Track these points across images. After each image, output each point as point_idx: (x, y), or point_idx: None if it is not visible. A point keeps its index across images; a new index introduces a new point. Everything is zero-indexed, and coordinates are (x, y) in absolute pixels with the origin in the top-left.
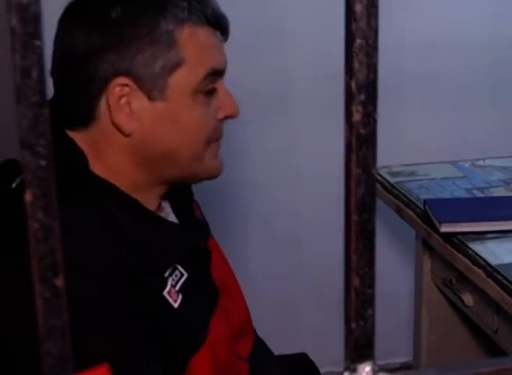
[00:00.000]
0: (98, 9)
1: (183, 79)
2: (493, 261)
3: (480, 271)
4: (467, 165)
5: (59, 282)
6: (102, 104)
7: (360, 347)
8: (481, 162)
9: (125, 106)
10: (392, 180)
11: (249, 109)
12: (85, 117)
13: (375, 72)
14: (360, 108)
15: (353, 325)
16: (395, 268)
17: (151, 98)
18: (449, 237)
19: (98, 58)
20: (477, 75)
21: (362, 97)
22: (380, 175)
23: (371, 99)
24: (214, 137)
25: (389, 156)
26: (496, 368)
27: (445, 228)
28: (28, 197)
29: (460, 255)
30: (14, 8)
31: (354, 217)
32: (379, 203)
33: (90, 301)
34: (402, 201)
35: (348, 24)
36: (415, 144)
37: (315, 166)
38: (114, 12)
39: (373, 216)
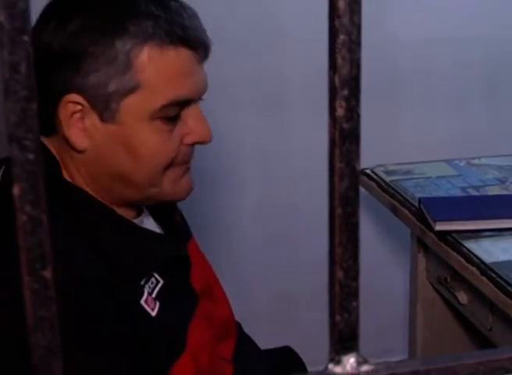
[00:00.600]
0: (62, 17)
1: (138, 104)
2: (487, 259)
3: (474, 269)
4: (462, 163)
5: (48, 273)
6: (56, 116)
7: (344, 339)
8: (476, 161)
9: (78, 122)
10: (387, 178)
11: (244, 107)
12: (45, 127)
13: (358, 67)
14: (343, 103)
15: (338, 317)
16: (390, 266)
17: (103, 119)
18: (443, 236)
19: (54, 69)
20: (473, 73)
21: (345, 92)
22: (375, 174)
23: (355, 94)
24: (177, 162)
25: (384, 155)
26: (481, 359)
27: (439, 226)
28: (16, 190)
29: (454, 254)
30: (2, 4)
31: (338, 211)
32: (375, 202)
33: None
34: (397, 199)
35: (331, 20)
36: (411, 143)
37: (311, 162)
38: (73, 25)
39: (357, 209)
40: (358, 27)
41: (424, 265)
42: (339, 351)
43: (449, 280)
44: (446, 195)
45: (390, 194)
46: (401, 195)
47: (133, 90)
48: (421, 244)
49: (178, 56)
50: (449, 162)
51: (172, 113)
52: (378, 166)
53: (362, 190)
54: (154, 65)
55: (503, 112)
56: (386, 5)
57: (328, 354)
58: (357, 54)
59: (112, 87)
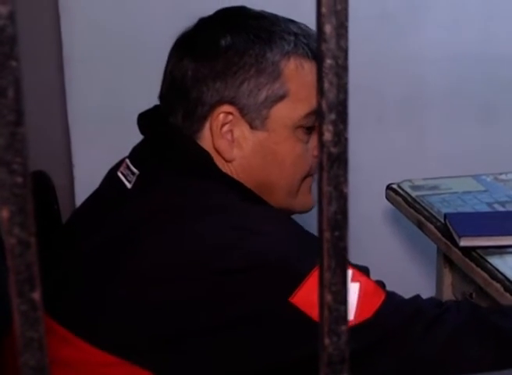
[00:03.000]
0: (208, 39)
1: (285, 112)
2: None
3: (498, 285)
4: (489, 179)
5: (36, 295)
6: (206, 128)
7: (334, 362)
8: (503, 176)
9: (227, 133)
10: (413, 193)
11: None
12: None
13: (345, 91)
14: (330, 128)
15: (327, 341)
16: (416, 281)
17: (252, 127)
18: (468, 251)
19: (205, 86)
20: (500, 88)
21: (332, 116)
22: (402, 188)
23: (342, 118)
24: (309, 173)
25: (411, 170)
26: None
27: (464, 242)
28: (4, 213)
29: (478, 270)
30: None
31: (326, 235)
32: (401, 216)
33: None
34: (423, 215)
35: (318, 45)
36: (438, 158)
37: None
38: (223, 40)
39: (345, 233)
40: (345, 52)
41: (451, 280)
42: (328, 374)
43: (474, 295)
44: (472, 211)
45: (416, 210)
46: (427, 210)
47: (281, 97)
48: (447, 259)
49: (315, 69)
50: (475, 177)
51: (310, 123)
52: (405, 181)
53: (389, 205)
54: (299, 75)
55: None
56: (415, 20)
57: None
58: (344, 78)
59: (262, 94)
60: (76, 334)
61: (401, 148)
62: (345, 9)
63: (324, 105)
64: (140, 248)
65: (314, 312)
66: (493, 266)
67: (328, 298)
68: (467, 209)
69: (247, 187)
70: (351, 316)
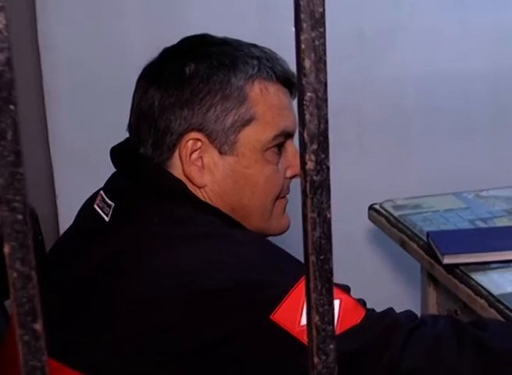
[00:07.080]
0: (173, 68)
1: (253, 136)
2: (495, 291)
3: (482, 301)
4: (470, 196)
5: (38, 326)
6: (175, 157)
7: None
8: (484, 193)
9: (197, 160)
10: (396, 213)
11: None
12: (166, 165)
13: (326, 122)
14: (312, 157)
15: (316, 359)
16: (401, 300)
17: (221, 152)
18: (452, 269)
19: (173, 114)
20: (479, 106)
21: (314, 146)
22: (384, 208)
23: (323, 148)
24: (281, 195)
25: (393, 189)
26: None
27: (447, 260)
28: (6, 249)
29: (462, 286)
30: None
31: (312, 258)
32: (384, 237)
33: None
34: (406, 234)
35: (299, 79)
36: (419, 177)
37: None
38: (188, 68)
39: (330, 256)
40: (324, 84)
41: (435, 298)
42: None
43: (459, 312)
44: (454, 228)
45: (399, 229)
46: (410, 229)
47: (249, 121)
48: (431, 277)
49: (281, 91)
50: (457, 194)
51: (279, 146)
52: (387, 200)
53: (372, 225)
54: (264, 98)
55: (510, 143)
56: (391, 41)
57: None
58: (324, 110)
59: (229, 119)
60: (65, 364)
61: (382, 168)
62: (323, 44)
63: (306, 136)
64: (127, 275)
65: (294, 329)
66: (477, 283)
67: (316, 318)
68: (450, 227)
69: (224, 212)
70: None
